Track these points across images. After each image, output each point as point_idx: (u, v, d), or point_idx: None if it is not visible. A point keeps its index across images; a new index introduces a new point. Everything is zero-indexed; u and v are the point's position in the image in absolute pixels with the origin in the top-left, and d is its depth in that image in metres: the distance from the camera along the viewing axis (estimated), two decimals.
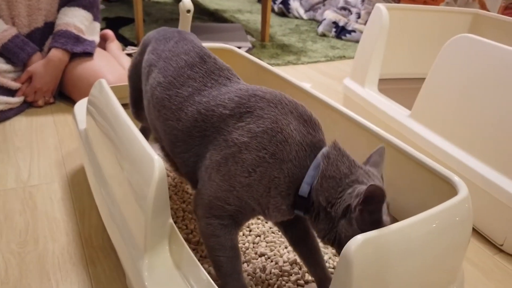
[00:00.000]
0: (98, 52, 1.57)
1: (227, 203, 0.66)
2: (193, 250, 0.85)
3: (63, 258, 0.86)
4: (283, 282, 0.81)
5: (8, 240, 0.89)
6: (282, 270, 0.83)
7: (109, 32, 1.80)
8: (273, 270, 0.83)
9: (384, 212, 0.60)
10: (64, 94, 1.53)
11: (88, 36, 1.53)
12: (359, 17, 2.72)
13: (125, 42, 2.13)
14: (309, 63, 2.17)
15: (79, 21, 1.50)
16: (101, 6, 2.23)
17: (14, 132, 1.30)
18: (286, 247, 0.89)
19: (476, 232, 1.04)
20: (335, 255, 0.87)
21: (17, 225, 0.93)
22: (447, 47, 1.14)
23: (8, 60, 1.42)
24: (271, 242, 0.90)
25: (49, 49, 1.46)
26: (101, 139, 0.87)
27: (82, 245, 0.89)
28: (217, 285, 0.59)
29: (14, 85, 1.40)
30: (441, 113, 1.15)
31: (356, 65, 1.54)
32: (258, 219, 0.96)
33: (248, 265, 0.84)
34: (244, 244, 0.89)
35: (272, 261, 0.85)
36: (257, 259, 0.86)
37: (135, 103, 0.95)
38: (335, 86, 1.87)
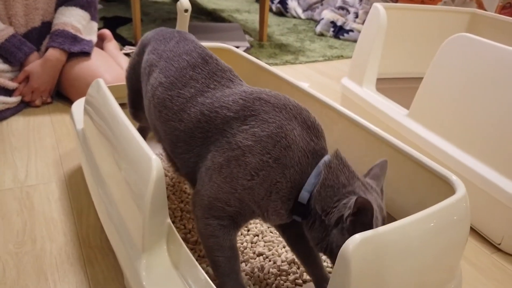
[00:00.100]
0: (96, 51, 1.56)
1: (227, 204, 0.66)
2: (191, 250, 0.85)
3: (61, 258, 0.86)
4: (281, 282, 0.81)
5: (6, 240, 0.89)
6: (280, 269, 0.83)
7: (106, 32, 1.79)
8: (271, 270, 0.83)
9: (378, 225, 0.60)
10: (61, 94, 1.53)
11: (85, 36, 1.52)
12: (357, 16, 2.72)
13: (122, 41, 2.12)
14: (307, 62, 2.17)
15: (76, 21, 1.50)
16: (99, 6, 2.23)
17: (11, 132, 1.30)
18: (284, 247, 0.89)
19: (473, 231, 1.04)
20: None
21: (15, 226, 0.93)
22: (445, 47, 1.14)
23: (5, 60, 1.42)
24: (269, 241, 0.90)
25: (47, 49, 1.45)
26: (99, 139, 0.87)
27: (79, 245, 0.89)
28: (215, 285, 0.59)
29: (12, 85, 1.40)
30: (438, 112, 1.15)
31: (354, 65, 1.54)
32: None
33: (246, 265, 0.84)
34: (242, 244, 0.88)
35: (270, 261, 0.85)
36: (255, 258, 0.86)
37: (133, 103, 0.95)
38: (333, 85, 1.87)
